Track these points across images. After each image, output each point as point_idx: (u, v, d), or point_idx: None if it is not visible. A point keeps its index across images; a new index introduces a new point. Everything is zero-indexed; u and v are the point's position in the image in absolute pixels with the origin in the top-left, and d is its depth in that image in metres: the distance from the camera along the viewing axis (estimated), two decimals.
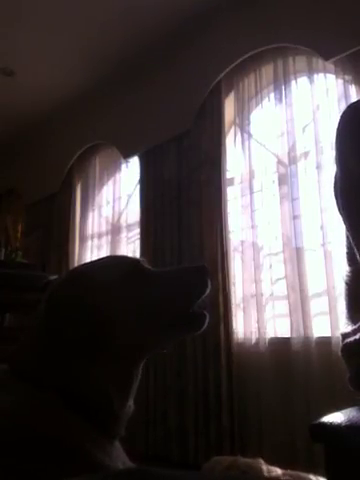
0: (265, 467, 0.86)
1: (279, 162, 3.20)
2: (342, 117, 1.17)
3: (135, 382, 0.87)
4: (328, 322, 2.73)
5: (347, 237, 1.18)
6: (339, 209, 1.17)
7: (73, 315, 0.81)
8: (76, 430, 0.76)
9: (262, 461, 0.87)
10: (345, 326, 1.14)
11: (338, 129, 1.16)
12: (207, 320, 0.93)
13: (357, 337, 1.06)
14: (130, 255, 4.20)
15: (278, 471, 0.83)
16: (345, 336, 1.12)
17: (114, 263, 0.93)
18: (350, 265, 1.18)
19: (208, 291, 0.93)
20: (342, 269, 1.21)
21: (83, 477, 0.67)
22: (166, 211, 3.73)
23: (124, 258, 0.98)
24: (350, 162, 1.10)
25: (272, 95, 3.34)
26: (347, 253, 1.19)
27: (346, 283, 1.17)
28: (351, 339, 1.08)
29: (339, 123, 1.16)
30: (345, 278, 1.18)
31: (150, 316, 0.86)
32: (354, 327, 1.09)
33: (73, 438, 0.75)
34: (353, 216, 1.10)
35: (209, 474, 0.89)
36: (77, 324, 0.80)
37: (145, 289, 0.88)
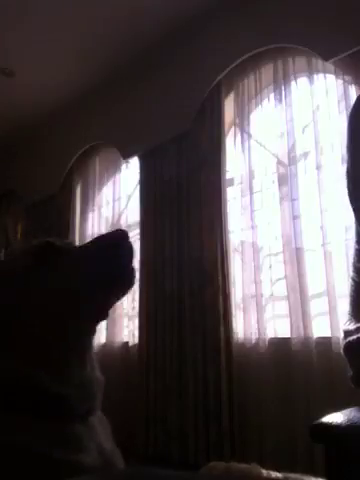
0: (265, 471, 0.85)
1: (279, 162, 3.20)
2: (356, 105, 1.17)
3: (79, 356, 0.84)
4: (328, 322, 2.73)
5: (356, 231, 1.17)
6: (351, 200, 1.16)
7: None
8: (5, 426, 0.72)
9: (258, 466, 0.87)
10: (348, 323, 1.14)
11: (351, 116, 1.16)
12: (135, 272, 0.89)
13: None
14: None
15: (278, 475, 0.83)
16: (348, 333, 1.12)
17: (20, 253, 0.91)
18: (358, 260, 1.17)
19: (132, 255, 0.88)
20: (351, 266, 1.20)
21: (83, 478, 0.67)
22: (166, 211, 3.73)
23: (32, 245, 0.93)
24: None
25: (272, 95, 3.34)
26: (357, 250, 1.18)
27: (353, 280, 1.17)
28: (354, 337, 1.08)
29: (352, 111, 1.16)
30: (353, 274, 1.17)
31: (69, 294, 0.83)
32: (357, 325, 1.08)
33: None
34: None
35: (209, 474, 0.89)
36: None
37: (58, 269, 0.85)
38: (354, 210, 1.17)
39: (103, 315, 0.91)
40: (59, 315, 0.82)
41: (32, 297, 0.82)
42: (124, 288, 0.90)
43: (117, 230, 0.89)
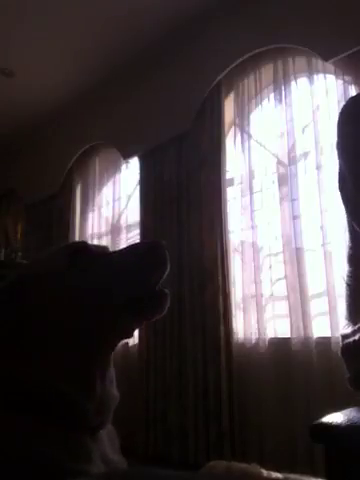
0: (265, 471, 0.85)
1: (279, 162, 3.20)
2: (344, 108, 1.18)
3: (101, 371, 0.82)
4: (328, 322, 2.73)
5: (349, 235, 1.18)
6: (343, 200, 1.17)
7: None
8: (25, 434, 0.71)
9: (258, 466, 0.87)
10: (345, 327, 1.15)
11: (339, 122, 1.17)
12: (168, 299, 0.84)
13: (356, 338, 1.06)
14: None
15: (279, 475, 0.83)
16: (345, 337, 1.12)
17: (53, 254, 0.88)
18: (351, 265, 1.18)
19: (166, 269, 0.84)
20: (343, 269, 1.21)
21: (83, 479, 0.67)
22: (166, 212, 3.73)
23: (67, 245, 0.90)
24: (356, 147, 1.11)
25: (272, 95, 3.34)
26: (348, 253, 1.19)
27: (347, 284, 1.17)
28: (351, 340, 1.08)
29: (340, 114, 1.17)
30: (346, 278, 1.18)
31: (102, 299, 0.81)
32: (354, 328, 1.09)
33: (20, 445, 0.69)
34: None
35: (209, 475, 0.89)
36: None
37: (91, 273, 0.82)
38: (348, 212, 1.18)
39: (129, 333, 0.88)
40: (90, 320, 0.80)
41: (65, 298, 0.80)
42: (153, 311, 0.85)
43: (154, 241, 0.86)
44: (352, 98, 1.28)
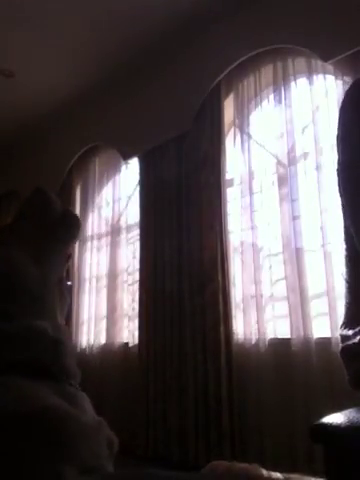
0: (265, 471, 0.85)
1: (279, 163, 3.20)
2: (347, 93, 1.17)
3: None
4: (328, 323, 2.73)
5: (345, 233, 1.18)
6: (340, 193, 1.17)
7: None
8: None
9: (259, 466, 0.87)
10: (344, 327, 1.15)
11: (342, 106, 1.16)
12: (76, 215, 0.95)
13: (356, 340, 1.06)
14: (130, 256, 4.20)
15: (279, 475, 0.83)
16: (345, 338, 1.12)
17: None
18: (349, 263, 1.18)
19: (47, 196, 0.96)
20: (342, 267, 1.21)
21: (84, 479, 0.67)
22: (166, 212, 3.73)
23: None
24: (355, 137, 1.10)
25: (271, 96, 3.34)
26: (346, 250, 1.19)
27: (346, 281, 1.17)
28: (351, 342, 1.08)
29: (343, 100, 1.17)
30: (346, 277, 1.18)
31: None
32: (355, 330, 1.09)
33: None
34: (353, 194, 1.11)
35: (210, 475, 0.89)
36: None
37: None
38: (344, 205, 1.17)
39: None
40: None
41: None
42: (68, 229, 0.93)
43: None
44: (355, 82, 1.26)
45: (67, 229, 0.95)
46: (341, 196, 1.17)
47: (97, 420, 0.78)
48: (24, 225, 0.92)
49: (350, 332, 1.11)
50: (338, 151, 1.18)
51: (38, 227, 0.91)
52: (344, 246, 1.18)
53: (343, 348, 1.12)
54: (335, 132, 1.20)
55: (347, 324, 1.13)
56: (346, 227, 1.16)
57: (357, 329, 1.08)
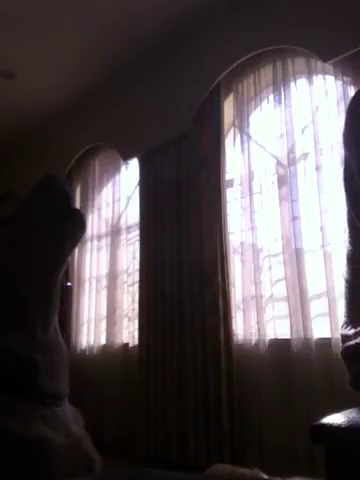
0: (266, 476, 0.85)
1: (278, 163, 3.20)
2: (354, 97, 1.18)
3: (43, 315, 0.83)
4: (328, 323, 2.73)
5: (348, 228, 1.18)
6: (346, 190, 1.17)
7: None
8: None
9: (260, 471, 0.87)
10: (345, 326, 1.14)
11: (350, 109, 1.16)
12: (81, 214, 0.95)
13: (358, 341, 1.06)
14: (129, 257, 4.20)
15: None
16: (346, 338, 1.12)
17: None
18: (350, 262, 1.17)
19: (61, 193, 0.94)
20: (343, 266, 1.21)
21: (84, 478, 0.67)
22: (166, 213, 3.73)
23: None
24: None
25: (271, 97, 3.34)
26: (349, 249, 1.18)
27: (346, 280, 1.17)
28: (352, 343, 1.08)
29: (351, 103, 1.17)
30: (346, 275, 1.18)
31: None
32: (356, 330, 1.09)
33: None
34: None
35: (210, 476, 0.89)
36: None
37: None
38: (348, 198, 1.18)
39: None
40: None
41: None
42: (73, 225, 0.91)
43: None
44: None
45: (73, 225, 0.93)
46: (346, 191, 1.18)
47: (76, 437, 0.80)
48: (24, 221, 0.91)
49: (351, 332, 1.10)
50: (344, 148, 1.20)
51: (41, 221, 0.90)
52: (346, 242, 1.18)
53: (344, 349, 1.12)
54: (342, 129, 1.20)
55: (348, 323, 1.13)
56: (349, 214, 1.17)
57: (358, 329, 1.08)
